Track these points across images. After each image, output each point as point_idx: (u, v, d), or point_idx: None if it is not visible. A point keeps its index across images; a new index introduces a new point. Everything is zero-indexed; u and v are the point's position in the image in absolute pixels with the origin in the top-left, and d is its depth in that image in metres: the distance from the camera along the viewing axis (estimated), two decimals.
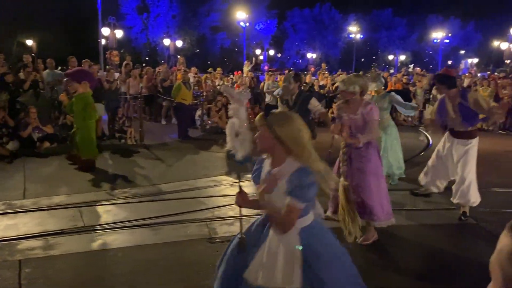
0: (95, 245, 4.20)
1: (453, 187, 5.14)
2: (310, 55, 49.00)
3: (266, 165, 2.38)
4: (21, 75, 9.59)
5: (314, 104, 5.54)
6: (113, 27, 25.14)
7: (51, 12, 35.21)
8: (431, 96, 13.84)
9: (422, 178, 5.66)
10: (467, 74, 18.22)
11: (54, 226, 4.61)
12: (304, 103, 5.51)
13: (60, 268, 3.70)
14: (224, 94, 2.33)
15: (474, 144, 5.07)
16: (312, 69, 26.68)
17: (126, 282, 3.52)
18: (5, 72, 9.09)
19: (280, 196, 2.20)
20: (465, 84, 15.04)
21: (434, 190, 5.62)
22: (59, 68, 12.46)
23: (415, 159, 8.26)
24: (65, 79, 8.71)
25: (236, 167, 2.40)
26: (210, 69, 16.84)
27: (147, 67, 14.49)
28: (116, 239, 4.33)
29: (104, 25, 25.27)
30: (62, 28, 35.84)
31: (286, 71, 17.94)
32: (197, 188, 6.20)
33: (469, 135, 5.06)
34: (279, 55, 51.23)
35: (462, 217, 5.06)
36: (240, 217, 2.42)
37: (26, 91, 9.17)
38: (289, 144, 2.21)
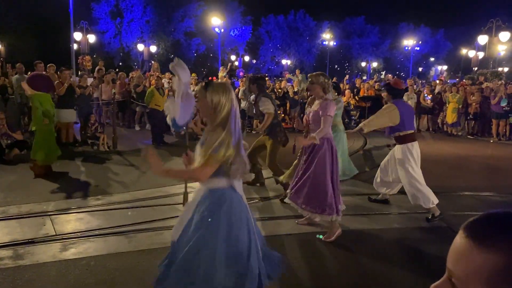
0: (67, 254, 4.10)
1: None
2: (285, 61, 49.42)
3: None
4: None
5: (262, 105, 6.02)
6: (85, 31, 24.72)
7: (20, 15, 34.36)
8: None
9: (375, 184, 5.89)
10: (437, 81, 18.72)
11: (24, 235, 4.48)
12: (258, 104, 6.03)
13: (30, 278, 3.60)
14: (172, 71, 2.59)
15: (402, 149, 5.28)
16: (287, 75, 26.88)
17: None
18: None
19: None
20: (436, 91, 15.45)
21: (385, 191, 5.82)
22: (29, 73, 12.18)
23: None
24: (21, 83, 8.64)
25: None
26: (193, 74, 16.79)
27: (121, 73, 14.33)
28: (89, 248, 4.25)
29: (76, 30, 24.81)
30: (32, 32, 34.99)
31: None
32: (171, 194, 6.14)
33: (399, 141, 5.33)
34: (254, 61, 51.46)
35: (429, 218, 5.22)
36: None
37: None
38: (212, 110, 2.47)
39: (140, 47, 36.32)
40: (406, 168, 5.21)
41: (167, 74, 14.93)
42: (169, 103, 2.70)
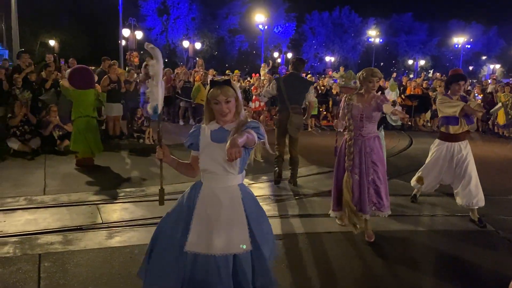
0: (112, 241, 4.26)
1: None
2: (329, 59, 48.84)
3: (210, 128, 2.52)
4: (43, 74, 9.79)
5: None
6: (133, 28, 25.51)
7: (73, 13, 35.92)
8: None
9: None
10: (489, 80, 17.92)
11: (73, 222, 4.70)
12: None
13: (77, 262, 3.77)
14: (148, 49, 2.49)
15: (468, 145, 5.18)
16: (330, 72, 26.55)
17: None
18: (29, 71, 9.27)
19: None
20: (488, 90, 14.81)
21: (423, 188, 5.60)
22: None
23: None
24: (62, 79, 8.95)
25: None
26: (228, 71, 16.95)
27: (167, 69, 14.64)
28: (132, 236, 4.39)
29: (124, 26, 25.64)
30: (84, 29, 36.50)
31: (304, 74, 18.00)
32: None
33: (465, 136, 5.18)
34: None
35: (478, 223, 5.02)
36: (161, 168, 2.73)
37: (48, 90, 9.36)
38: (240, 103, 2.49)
39: (185, 43, 37.03)
40: (474, 166, 5.06)
41: (210, 70, 15.14)
42: (151, 89, 2.62)
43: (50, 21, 34.07)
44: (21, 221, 4.70)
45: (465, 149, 5.09)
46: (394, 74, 19.02)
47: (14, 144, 7.96)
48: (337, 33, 49.89)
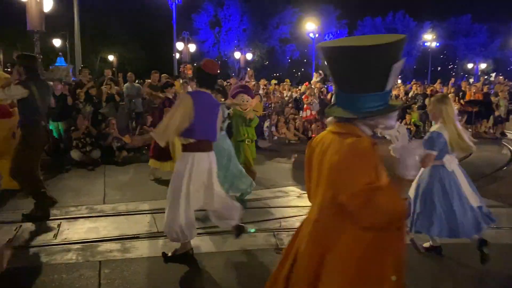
0: (168, 250, 4.35)
1: None
2: None
3: None
4: (104, 88, 10.27)
5: None
6: (186, 41, 26.26)
7: (130, 29, 37.66)
8: None
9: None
10: None
11: (131, 231, 4.86)
12: None
13: (135, 270, 3.89)
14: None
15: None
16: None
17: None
18: (90, 86, 9.77)
19: None
20: None
21: None
22: (137, 81, 13.20)
23: (497, 174, 7.69)
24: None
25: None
26: (273, 80, 17.06)
27: (219, 80, 14.91)
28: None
29: (178, 40, 26.45)
30: (140, 44, 38.13)
31: None
32: (264, 198, 6.24)
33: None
34: None
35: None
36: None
37: (107, 104, 9.80)
38: None
39: (237, 55, 37.59)
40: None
41: (262, 80, 15.24)
42: None
43: (109, 37, 35.95)
44: (83, 229, 4.92)
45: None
46: (452, 80, 18.22)
47: (76, 155, 8.39)
48: None
